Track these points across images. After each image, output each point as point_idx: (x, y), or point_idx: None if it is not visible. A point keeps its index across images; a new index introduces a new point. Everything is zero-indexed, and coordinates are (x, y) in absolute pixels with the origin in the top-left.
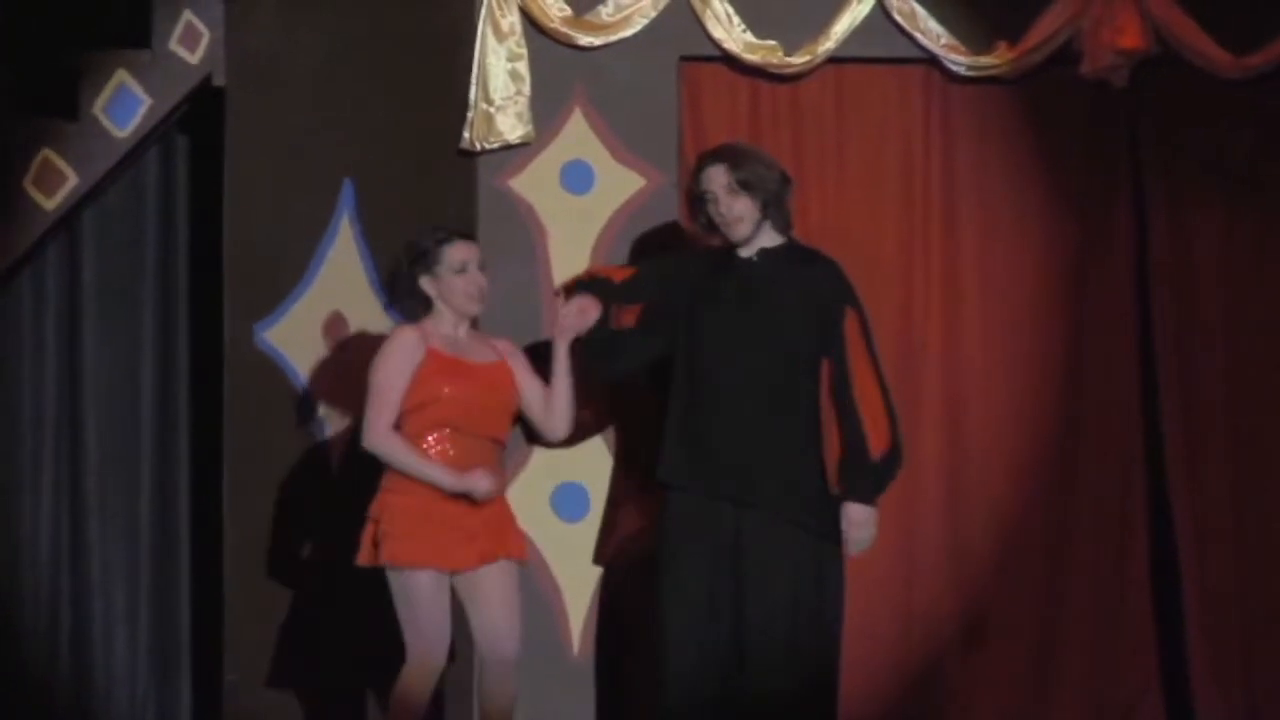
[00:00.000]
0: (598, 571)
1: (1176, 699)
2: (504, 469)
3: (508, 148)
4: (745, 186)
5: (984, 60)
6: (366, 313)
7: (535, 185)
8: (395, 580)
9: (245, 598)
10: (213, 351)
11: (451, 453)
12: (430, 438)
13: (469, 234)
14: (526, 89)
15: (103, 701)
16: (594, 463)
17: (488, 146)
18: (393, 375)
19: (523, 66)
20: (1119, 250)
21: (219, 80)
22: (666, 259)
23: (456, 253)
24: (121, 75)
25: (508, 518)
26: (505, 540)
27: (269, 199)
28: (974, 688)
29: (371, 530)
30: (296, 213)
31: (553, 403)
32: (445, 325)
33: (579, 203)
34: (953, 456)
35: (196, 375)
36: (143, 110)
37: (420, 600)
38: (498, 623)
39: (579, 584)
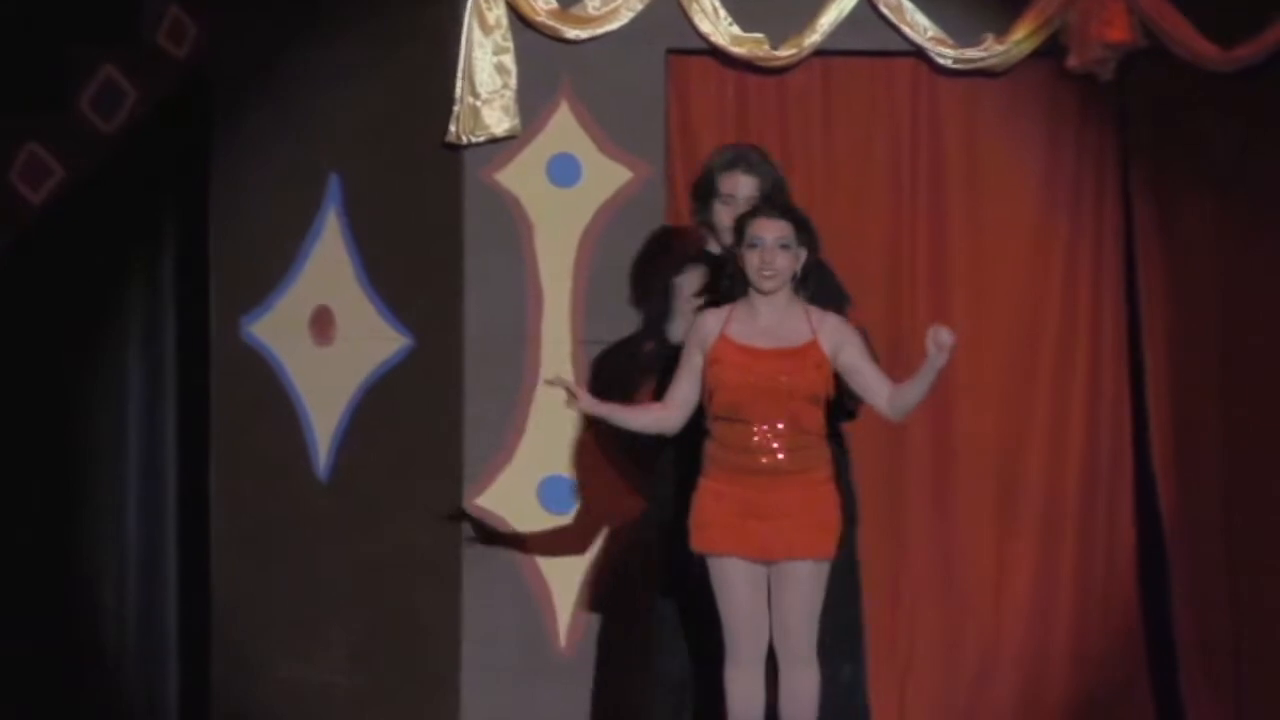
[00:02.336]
0: (585, 566)
1: (1164, 690)
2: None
3: (494, 141)
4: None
5: (971, 53)
6: (353, 306)
7: (522, 178)
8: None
9: (233, 591)
10: (200, 345)
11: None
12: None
13: (783, 208)
14: (513, 82)
15: (91, 696)
16: (581, 455)
17: (474, 140)
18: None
19: (509, 60)
20: (1108, 242)
21: (206, 74)
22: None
23: (753, 228)
24: (108, 69)
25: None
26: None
27: (256, 192)
28: (959, 674)
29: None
30: (283, 206)
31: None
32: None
33: (566, 196)
34: (940, 444)
35: (184, 368)
36: (129, 104)
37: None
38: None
39: (566, 578)
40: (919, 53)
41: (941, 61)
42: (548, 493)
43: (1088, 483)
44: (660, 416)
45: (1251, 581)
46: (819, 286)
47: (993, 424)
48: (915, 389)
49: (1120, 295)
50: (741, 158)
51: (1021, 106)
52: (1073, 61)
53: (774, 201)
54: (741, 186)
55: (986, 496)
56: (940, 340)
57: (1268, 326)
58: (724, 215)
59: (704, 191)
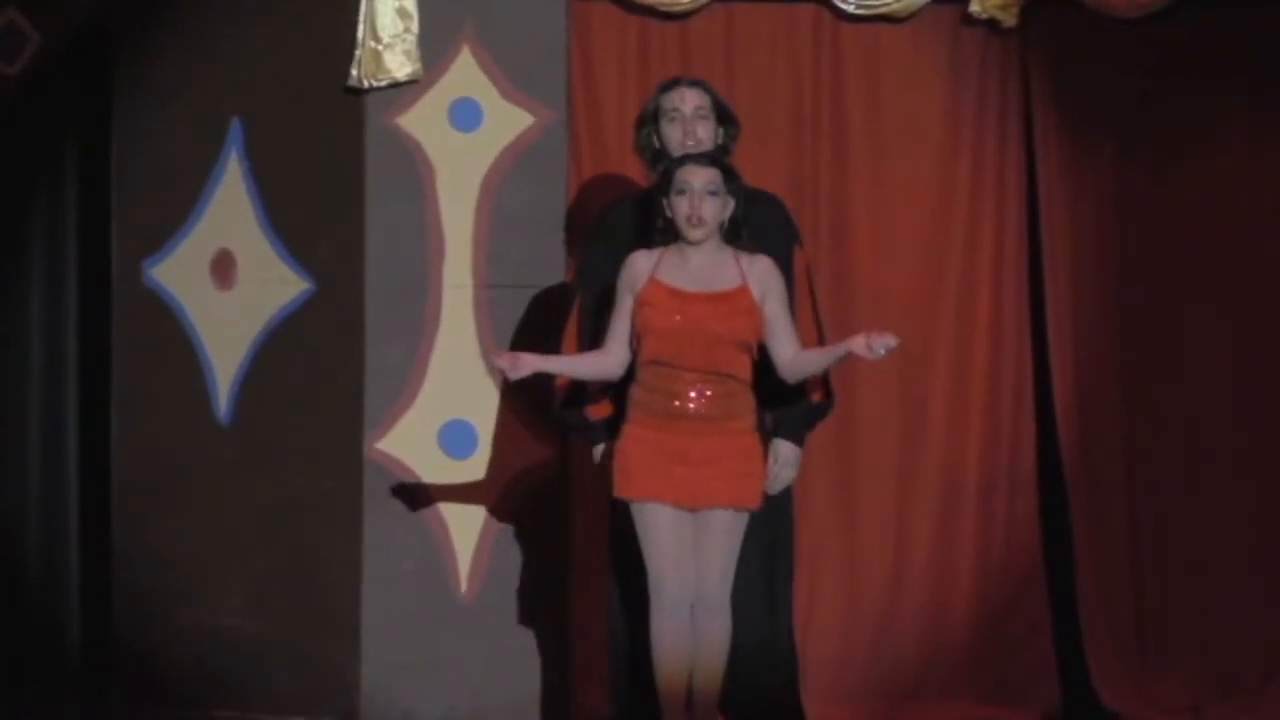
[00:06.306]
0: (485, 510)
1: (1066, 635)
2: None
3: (396, 85)
4: (718, 117)
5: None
6: (255, 250)
7: (423, 123)
8: None
9: (135, 535)
10: (102, 289)
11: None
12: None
13: (711, 154)
14: (415, 26)
15: None
16: (482, 400)
17: (376, 84)
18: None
19: (410, 4)
20: (1010, 190)
21: (108, 18)
22: (595, 254)
23: (681, 174)
24: (9, 12)
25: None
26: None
27: (158, 137)
28: (857, 622)
29: None
30: (185, 150)
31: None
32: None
33: (467, 140)
34: (843, 389)
35: (86, 313)
36: (31, 48)
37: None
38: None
39: (466, 523)
40: None
41: (844, 8)
42: (449, 437)
43: (991, 431)
44: (599, 361)
45: (1154, 530)
46: (767, 226)
47: (894, 368)
48: (818, 362)
49: (1023, 244)
50: (680, 78)
51: (924, 54)
52: (975, 7)
53: (705, 151)
54: (687, 99)
55: (885, 450)
56: (876, 345)
57: (1168, 272)
58: (673, 132)
59: (649, 115)
